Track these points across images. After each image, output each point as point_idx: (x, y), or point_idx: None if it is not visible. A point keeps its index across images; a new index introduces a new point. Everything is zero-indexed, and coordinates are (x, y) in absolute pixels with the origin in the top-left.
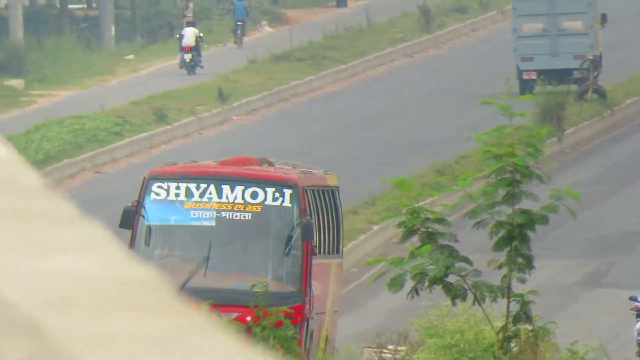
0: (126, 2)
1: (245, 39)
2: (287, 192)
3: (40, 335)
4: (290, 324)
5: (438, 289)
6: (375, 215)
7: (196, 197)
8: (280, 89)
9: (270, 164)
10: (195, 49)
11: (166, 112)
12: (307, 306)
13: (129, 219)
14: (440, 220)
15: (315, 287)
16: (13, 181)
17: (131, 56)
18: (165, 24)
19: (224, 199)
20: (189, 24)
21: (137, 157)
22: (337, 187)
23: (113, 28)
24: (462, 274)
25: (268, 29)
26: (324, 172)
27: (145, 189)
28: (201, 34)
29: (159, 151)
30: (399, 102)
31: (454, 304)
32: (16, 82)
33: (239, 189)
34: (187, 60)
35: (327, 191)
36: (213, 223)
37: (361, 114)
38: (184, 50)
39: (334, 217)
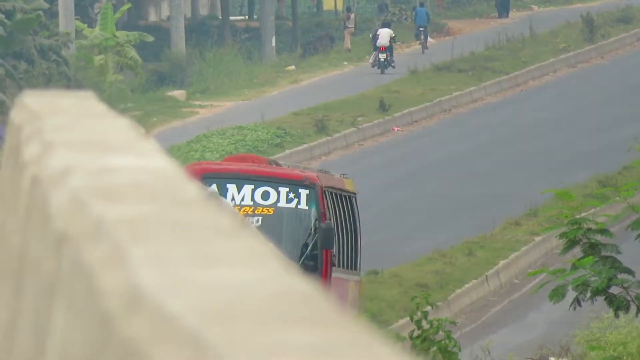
0: (287, 13)
1: (430, 41)
2: (304, 192)
3: (201, 347)
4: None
5: (600, 300)
6: (537, 226)
7: None
8: (441, 99)
9: (279, 165)
10: (388, 49)
11: (327, 123)
12: None
13: None
14: (602, 231)
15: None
16: (174, 192)
17: (292, 67)
18: (325, 35)
19: (228, 201)
20: (384, 24)
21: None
22: (355, 194)
23: (274, 39)
24: (625, 285)
25: (430, 39)
26: (341, 176)
27: None
28: (394, 35)
29: (319, 162)
30: (562, 112)
31: (616, 315)
32: (178, 93)
33: (247, 188)
34: (382, 59)
35: (346, 197)
36: None
37: (523, 124)
38: (379, 50)
39: (353, 227)
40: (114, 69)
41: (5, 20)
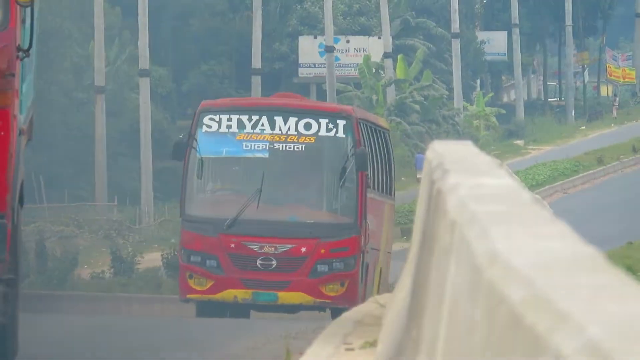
0: (580, 95)
1: None
2: (341, 122)
3: None
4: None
5: None
6: None
7: (248, 129)
8: None
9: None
10: None
11: (603, 159)
12: (363, 238)
13: (180, 151)
14: None
15: (370, 220)
16: (516, 198)
17: (583, 127)
18: (600, 110)
19: (277, 131)
20: None
21: (587, 184)
22: (389, 130)
23: (573, 111)
24: None
25: None
26: (375, 114)
27: (197, 122)
28: None
29: (600, 182)
30: None
31: None
32: (519, 142)
33: (292, 120)
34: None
35: (380, 131)
36: (266, 155)
37: None
38: None
39: (387, 158)
40: (484, 128)
41: (424, 102)
